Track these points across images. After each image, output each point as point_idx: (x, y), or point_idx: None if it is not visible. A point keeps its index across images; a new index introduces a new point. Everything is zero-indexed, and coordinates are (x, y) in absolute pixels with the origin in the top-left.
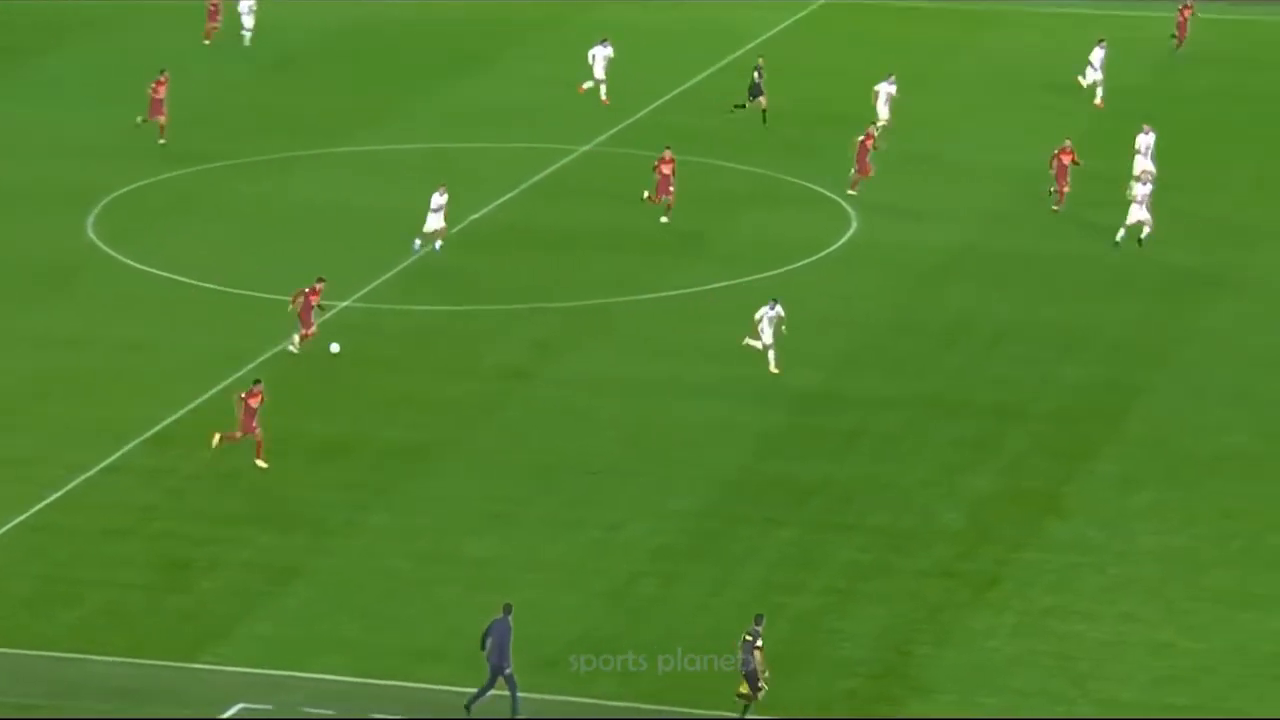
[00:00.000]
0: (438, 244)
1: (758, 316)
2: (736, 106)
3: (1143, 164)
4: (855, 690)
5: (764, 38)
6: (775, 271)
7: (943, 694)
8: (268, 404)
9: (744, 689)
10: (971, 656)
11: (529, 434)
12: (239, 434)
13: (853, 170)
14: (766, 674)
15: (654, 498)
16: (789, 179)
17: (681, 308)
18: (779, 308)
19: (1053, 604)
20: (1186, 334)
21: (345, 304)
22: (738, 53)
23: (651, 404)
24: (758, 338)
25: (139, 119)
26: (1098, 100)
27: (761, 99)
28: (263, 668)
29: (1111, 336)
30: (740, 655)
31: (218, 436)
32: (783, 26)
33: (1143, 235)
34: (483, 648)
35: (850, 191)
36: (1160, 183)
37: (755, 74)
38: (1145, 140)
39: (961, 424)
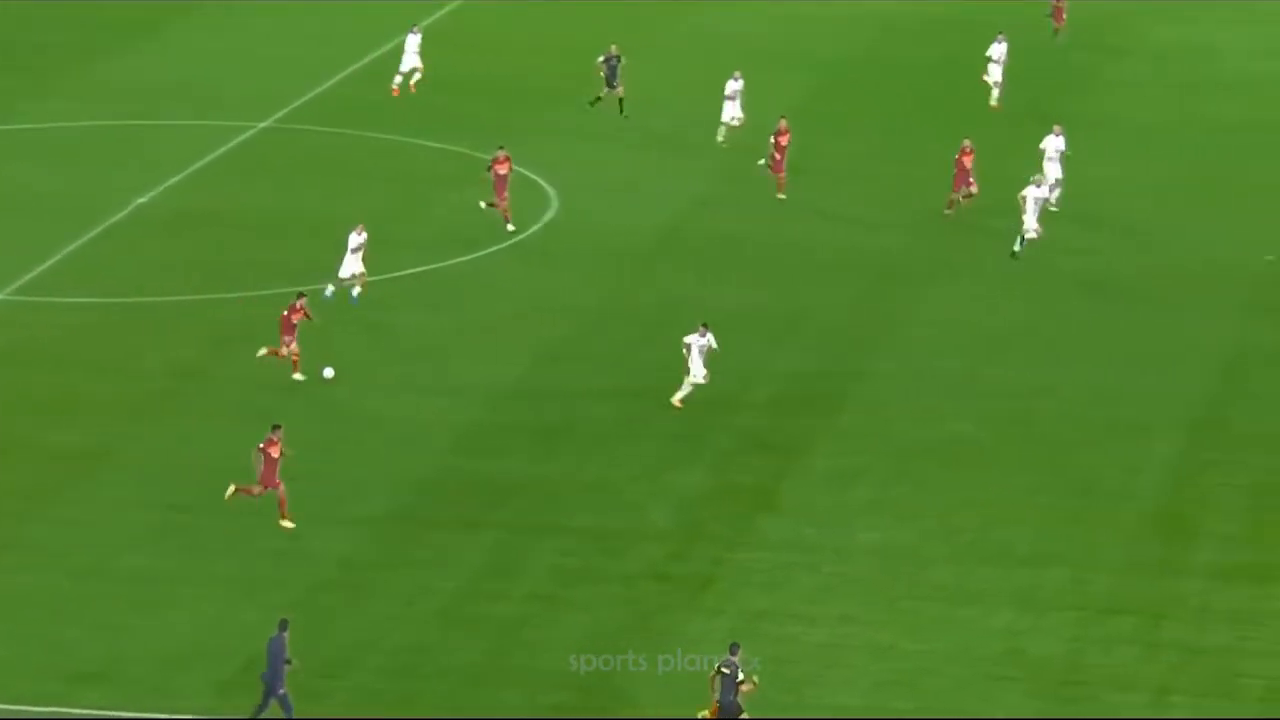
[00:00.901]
0: (355, 291)
1: (686, 341)
2: (594, 100)
3: (1053, 170)
4: (561, 704)
5: (451, 7)
6: (470, 257)
7: (654, 705)
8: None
9: None
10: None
11: (203, 436)
12: (257, 489)
13: (777, 175)
14: (744, 716)
15: (341, 502)
16: (484, 157)
17: (369, 297)
18: (710, 336)
19: (768, 606)
20: (904, 319)
21: (0, 297)
22: (423, 23)
23: (338, 401)
24: (692, 384)
25: None
26: (994, 102)
27: (619, 88)
28: None
29: (825, 323)
30: (717, 690)
31: (233, 487)
32: None
33: (1024, 239)
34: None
35: (779, 195)
36: (869, 167)
37: (609, 63)
38: (1055, 143)
39: (672, 416)
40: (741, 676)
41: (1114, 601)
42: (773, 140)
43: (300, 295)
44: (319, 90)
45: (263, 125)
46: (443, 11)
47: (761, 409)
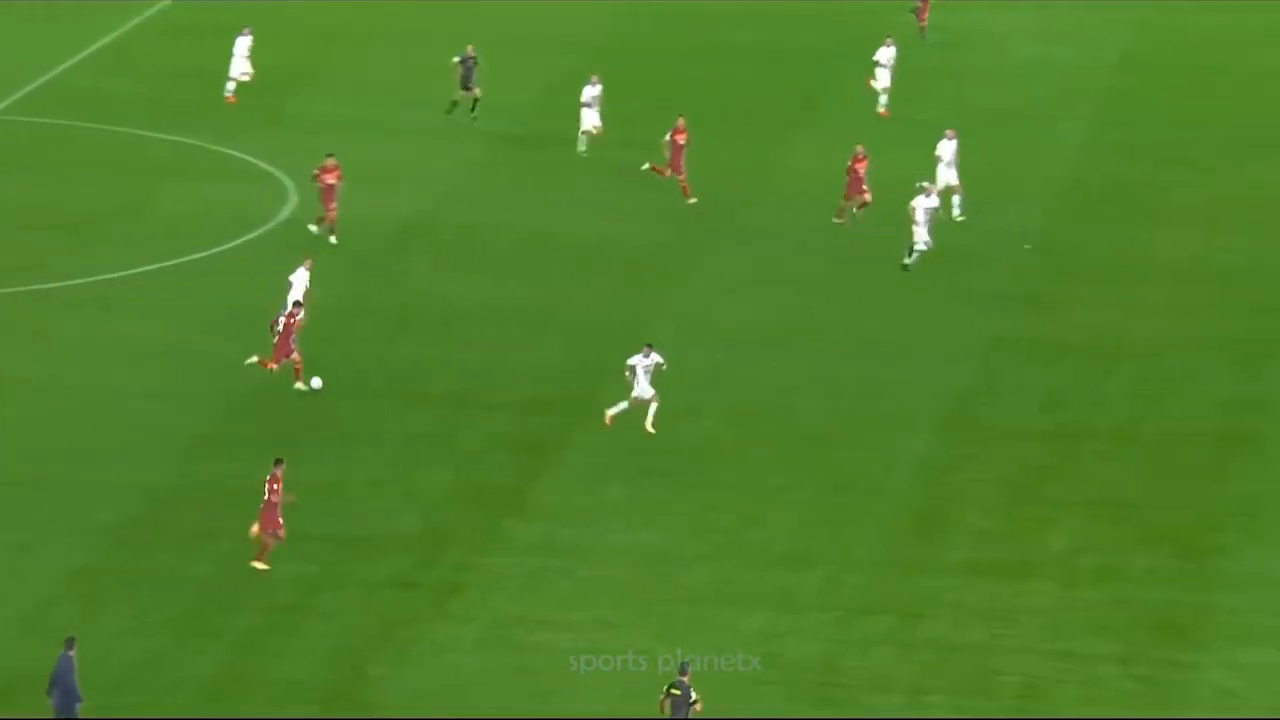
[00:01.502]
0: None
1: (630, 364)
2: (453, 104)
3: (946, 175)
4: (304, 715)
5: None
6: (204, 253)
7: (399, 716)
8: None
9: None
10: (432, 674)
11: None
12: (270, 539)
13: (668, 173)
14: None
15: (71, 512)
16: (219, 149)
17: (94, 297)
18: (655, 354)
19: (519, 612)
20: (653, 313)
21: None
22: (154, 9)
23: (66, 406)
24: (627, 394)
25: None
26: (881, 109)
27: (475, 90)
28: None
29: (574, 317)
30: (667, 711)
31: (261, 564)
32: None
33: (914, 250)
34: (49, 693)
35: (690, 200)
36: (617, 155)
37: (464, 64)
38: (949, 147)
39: (416, 417)
40: (694, 696)
41: (870, 601)
42: (668, 139)
43: (297, 304)
44: (42, 80)
45: None
46: (163, 3)
47: (510, 407)
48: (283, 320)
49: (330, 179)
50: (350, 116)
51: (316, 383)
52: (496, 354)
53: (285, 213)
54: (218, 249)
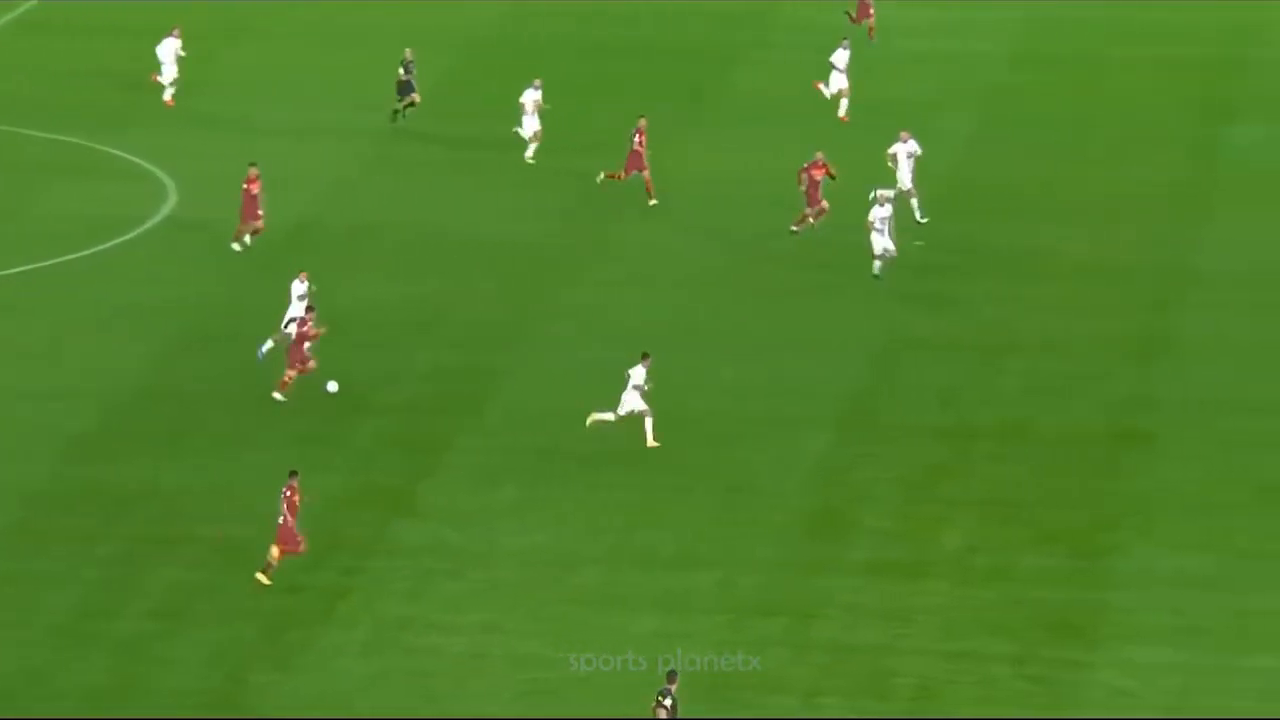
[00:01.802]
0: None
1: (640, 383)
2: (395, 113)
3: (904, 179)
4: None
5: None
6: (83, 253)
7: None
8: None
9: None
10: (318, 680)
11: None
12: (282, 549)
13: (642, 172)
14: None
15: None
16: (97, 147)
17: None
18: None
19: (407, 615)
20: (547, 312)
21: None
22: (21, 9)
23: None
24: (612, 409)
25: None
26: (842, 113)
27: (414, 96)
28: None
29: (467, 316)
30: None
31: (264, 578)
32: None
33: (879, 266)
34: None
35: (600, 178)
36: (511, 153)
37: (402, 70)
38: (904, 148)
39: (305, 418)
40: (669, 703)
41: (764, 603)
42: (636, 139)
43: (309, 309)
44: None
45: None
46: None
47: (399, 408)
48: (294, 330)
49: (254, 189)
50: (233, 115)
51: (332, 386)
52: (387, 354)
53: (165, 211)
54: (97, 248)
